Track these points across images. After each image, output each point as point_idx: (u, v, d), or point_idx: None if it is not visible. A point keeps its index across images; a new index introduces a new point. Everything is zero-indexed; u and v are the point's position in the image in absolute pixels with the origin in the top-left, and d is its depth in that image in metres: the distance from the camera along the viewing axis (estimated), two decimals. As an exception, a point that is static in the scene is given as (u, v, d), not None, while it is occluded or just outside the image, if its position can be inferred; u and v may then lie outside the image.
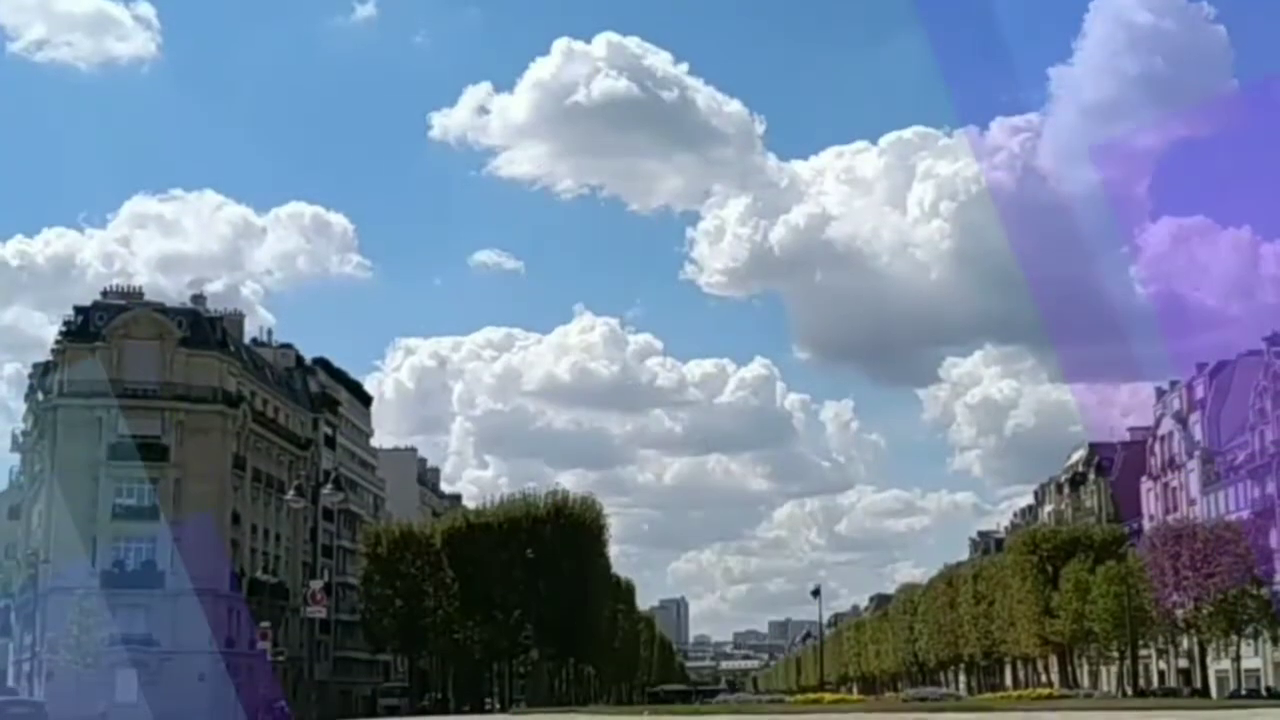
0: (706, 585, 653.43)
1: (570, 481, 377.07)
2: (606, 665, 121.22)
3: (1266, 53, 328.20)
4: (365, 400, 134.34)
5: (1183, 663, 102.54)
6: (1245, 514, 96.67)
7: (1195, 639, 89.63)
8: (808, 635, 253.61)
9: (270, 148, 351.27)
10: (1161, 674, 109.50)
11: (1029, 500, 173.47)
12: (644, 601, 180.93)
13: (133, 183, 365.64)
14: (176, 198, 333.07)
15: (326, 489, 76.69)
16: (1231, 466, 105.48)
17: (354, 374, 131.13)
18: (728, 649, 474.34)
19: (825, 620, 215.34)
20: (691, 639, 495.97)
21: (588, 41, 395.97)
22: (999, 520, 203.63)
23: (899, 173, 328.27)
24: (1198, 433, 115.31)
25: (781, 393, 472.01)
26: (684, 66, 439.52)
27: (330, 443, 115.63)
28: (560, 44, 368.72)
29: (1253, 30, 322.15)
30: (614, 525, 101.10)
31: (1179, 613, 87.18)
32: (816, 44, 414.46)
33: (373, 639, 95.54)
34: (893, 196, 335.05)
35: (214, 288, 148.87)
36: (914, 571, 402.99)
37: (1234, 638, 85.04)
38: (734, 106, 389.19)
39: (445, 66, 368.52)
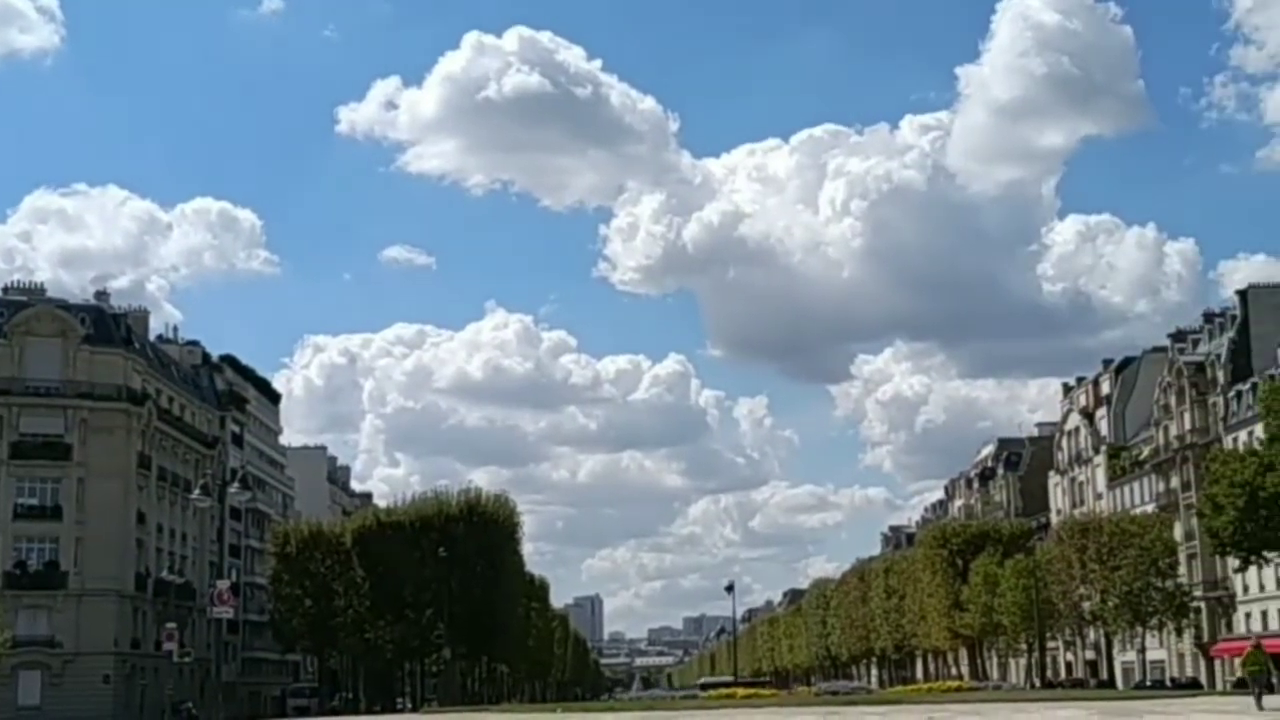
0: (621, 582, 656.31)
1: (483, 479, 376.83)
2: (520, 664, 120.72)
3: (1172, 53, 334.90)
4: (274, 398, 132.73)
5: (1089, 654, 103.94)
6: (1150, 508, 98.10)
7: (1101, 631, 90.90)
8: (722, 631, 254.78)
9: (176, 142, 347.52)
10: (1069, 665, 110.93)
11: (939, 495, 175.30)
12: (558, 599, 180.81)
13: (34, 177, 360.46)
14: (79, 192, 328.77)
15: (233, 488, 75.52)
16: (1136, 461, 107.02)
17: (262, 371, 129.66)
18: (642, 646, 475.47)
19: (739, 616, 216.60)
20: (606, 636, 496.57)
21: (498, 36, 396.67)
22: (910, 515, 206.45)
23: (810, 171, 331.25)
24: (1104, 428, 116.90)
25: (696, 389, 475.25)
26: (597, 63, 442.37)
27: (238, 441, 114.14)
28: (470, 38, 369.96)
29: (1159, 31, 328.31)
30: (528, 523, 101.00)
31: (1086, 605, 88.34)
32: (729, 41, 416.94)
33: (282, 639, 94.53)
34: (805, 194, 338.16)
35: (118, 284, 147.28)
36: (827, 566, 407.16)
37: (1139, 630, 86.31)
38: (648, 103, 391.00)
39: (353, 60, 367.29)
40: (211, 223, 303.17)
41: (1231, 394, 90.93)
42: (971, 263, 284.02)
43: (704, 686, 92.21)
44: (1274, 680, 43.30)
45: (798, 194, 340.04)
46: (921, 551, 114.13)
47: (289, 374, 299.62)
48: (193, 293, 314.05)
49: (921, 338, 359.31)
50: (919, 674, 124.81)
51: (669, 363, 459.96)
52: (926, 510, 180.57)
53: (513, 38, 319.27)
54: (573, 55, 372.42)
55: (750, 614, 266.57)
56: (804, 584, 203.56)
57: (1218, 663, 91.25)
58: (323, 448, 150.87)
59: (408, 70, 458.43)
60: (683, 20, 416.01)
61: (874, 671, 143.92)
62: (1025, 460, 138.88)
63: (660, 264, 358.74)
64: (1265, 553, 66.40)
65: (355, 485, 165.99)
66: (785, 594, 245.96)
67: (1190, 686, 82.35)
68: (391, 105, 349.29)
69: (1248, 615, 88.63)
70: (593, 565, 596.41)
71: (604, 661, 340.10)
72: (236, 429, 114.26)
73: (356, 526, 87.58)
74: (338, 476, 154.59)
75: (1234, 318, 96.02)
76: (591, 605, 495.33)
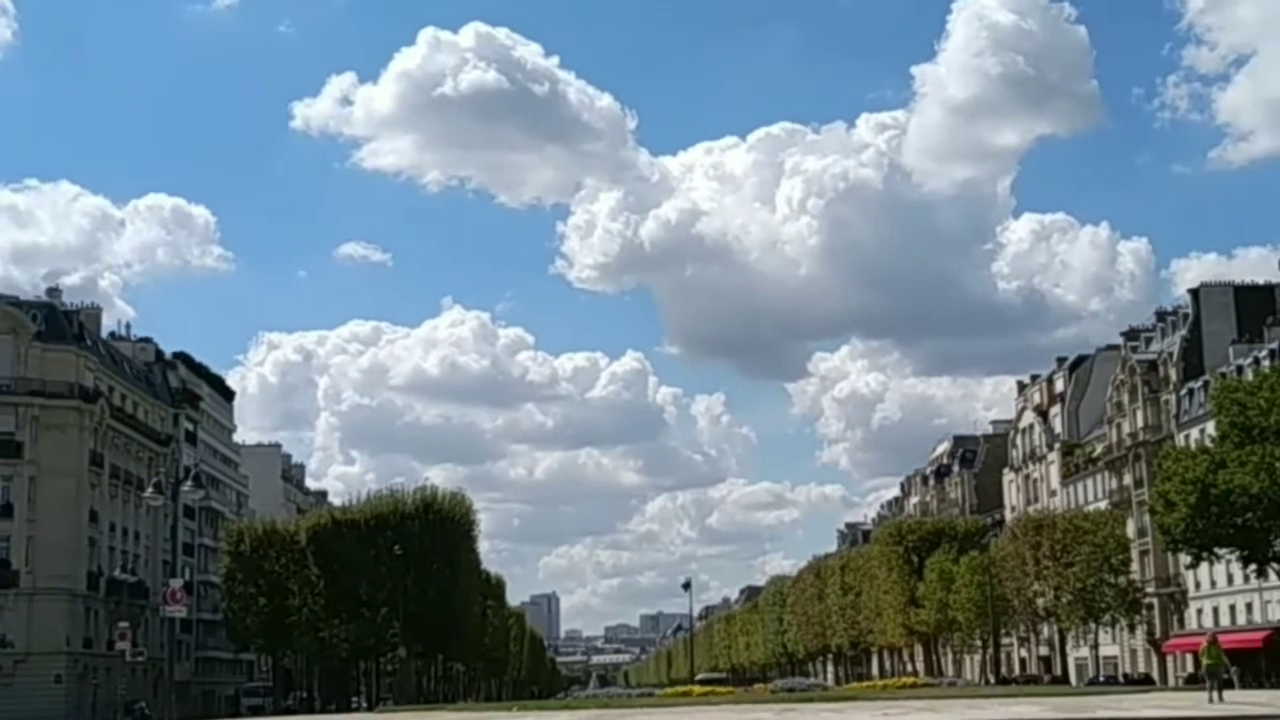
0: (578, 580, 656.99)
1: (439, 477, 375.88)
2: (476, 662, 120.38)
3: (1126, 54, 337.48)
4: (228, 395, 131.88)
5: (1043, 650, 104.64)
6: (1103, 505, 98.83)
7: (1055, 627, 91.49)
8: (679, 628, 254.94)
9: (129, 138, 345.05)
10: (1023, 661, 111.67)
11: (895, 492, 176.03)
12: (514, 597, 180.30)
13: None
14: (31, 188, 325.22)
15: (187, 486, 74.72)
16: (1090, 459, 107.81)
17: (216, 368, 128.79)
18: (599, 643, 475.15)
19: (696, 613, 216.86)
20: (563, 634, 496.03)
21: (455, 32, 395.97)
22: (866, 512, 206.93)
23: (768, 169, 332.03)
24: (1058, 425, 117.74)
25: (653, 387, 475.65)
26: (555, 59, 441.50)
27: (191, 439, 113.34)
28: (426, 34, 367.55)
29: (1113, 31, 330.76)
30: (484, 521, 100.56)
31: (1039, 601, 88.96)
32: (687, 39, 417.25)
33: (236, 638, 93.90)
34: (762, 192, 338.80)
35: (70, 280, 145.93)
36: (784, 563, 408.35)
37: (1092, 626, 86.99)
38: (605, 101, 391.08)
39: (308, 56, 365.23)
40: (165, 219, 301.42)
41: (1183, 392, 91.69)
42: (927, 261, 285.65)
43: (703, 682, 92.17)
44: (1230, 675, 43.61)
45: (755, 192, 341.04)
46: (877, 548, 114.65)
47: (243, 371, 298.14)
48: (146, 289, 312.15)
49: (877, 335, 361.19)
50: (875, 670, 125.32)
51: (626, 360, 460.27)
52: (883, 507, 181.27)
53: (469, 34, 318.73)
54: (530, 52, 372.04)
55: (707, 611, 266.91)
56: (761, 581, 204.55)
57: (1170, 658, 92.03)
58: (277, 445, 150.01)
59: (363, 66, 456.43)
60: (641, 18, 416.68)
61: (830, 668, 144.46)
62: (980, 457, 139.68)
63: (617, 261, 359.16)
64: (1216, 549, 67.01)
65: (310, 483, 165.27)
66: (742, 591, 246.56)
67: (1143, 682, 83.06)
68: (347, 101, 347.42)
69: (1199, 611, 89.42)
70: (549, 563, 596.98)
71: (560, 659, 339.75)
72: (190, 427, 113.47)
73: (311, 525, 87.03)
74: (292, 474, 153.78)
75: (1186, 316, 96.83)
76: (548, 603, 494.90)
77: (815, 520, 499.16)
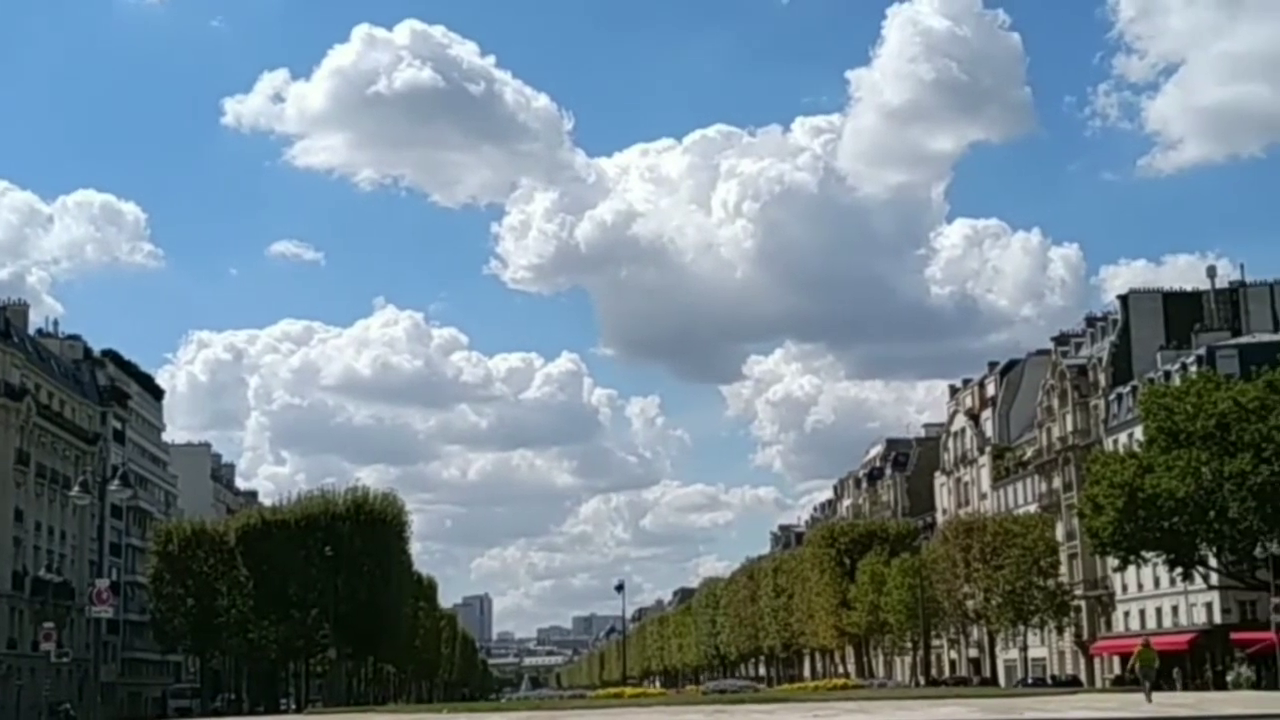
0: (510, 581, 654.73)
1: (371, 478, 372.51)
2: (407, 664, 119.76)
3: (1058, 61, 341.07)
4: (157, 394, 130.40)
5: (973, 652, 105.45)
6: (1033, 508, 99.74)
7: (985, 629, 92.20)
8: (612, 630, 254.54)
9: (58, 133, 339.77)
10: (953, 663, 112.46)
11: (828, 495, 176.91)
12: (446, 599, 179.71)
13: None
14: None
15: (114, 485, 73.79)
16: (1020, 462, 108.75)
17: (145, 366, 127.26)
18: (532, 645, 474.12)
19: (629, 615, 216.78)
20: (495, 636, 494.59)
21: (390, 29, 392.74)
22: (799, 514, 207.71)
23: (703, 171, 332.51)
24: (989, 429, 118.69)
25: (588, 388, 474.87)
26: (491, 58, 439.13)
27: (119, 437, 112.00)
28: (361, 31, 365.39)
29: (1045, 39, 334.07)
30: (416, 522, 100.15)
31: (969, 604, 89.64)
32: (624, 41, 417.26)
33: (163, 639, 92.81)
34: (697, 195, 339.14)
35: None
36: (717, 565, 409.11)
37: (1021, 628, 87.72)
38: (542, 101, 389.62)
39: (240, 52, 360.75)
40: (94, 215, 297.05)
41: (1112, 396, 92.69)
42: (861, 265, 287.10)
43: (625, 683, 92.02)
44: (1151, 680, 44.12)
45: (690, 194, 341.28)
46: (810, 551, 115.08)
47: (173, 370, 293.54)
48: (74, 286, 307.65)
49: (811, 339, 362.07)
50: (806, 672, 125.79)
51: (561, 361, 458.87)
52: (815, 510, 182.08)
53: (404, 31, 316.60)
54: (466, 51, 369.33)
55: (640, 613, 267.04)
56: (694, 583, 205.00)
57: (1097, 660, 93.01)
58: (207, 445, 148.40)
59: (296, 63, 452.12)
60: (577, 19, 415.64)
61: (762, 670, 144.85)
62: (912, 460, 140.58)
63: (552, 262, 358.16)
64: (1144, 552, 67.77)
65: (240, 483, 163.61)
66: (675, 593, 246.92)
67: (1070, 684, 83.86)
68: (279, 98, 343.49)
69: (1126, 614, 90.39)
70: (482, 564, 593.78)
71: (492, 661, 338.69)
72: (118, 425, 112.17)
73: (241, 525, 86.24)
74: (222, 474, 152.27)
75: (1115, 322, 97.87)
76: (480, 605, 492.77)
77: (749, 522, 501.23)
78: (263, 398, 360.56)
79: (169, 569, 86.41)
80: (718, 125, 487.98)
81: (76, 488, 63.05)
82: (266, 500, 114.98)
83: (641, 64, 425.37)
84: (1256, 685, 62.13)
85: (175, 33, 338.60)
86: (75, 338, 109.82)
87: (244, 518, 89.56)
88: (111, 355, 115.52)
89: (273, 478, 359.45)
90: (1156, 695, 42.65)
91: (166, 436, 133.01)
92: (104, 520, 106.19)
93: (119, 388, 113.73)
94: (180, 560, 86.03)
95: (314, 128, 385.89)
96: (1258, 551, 60.74)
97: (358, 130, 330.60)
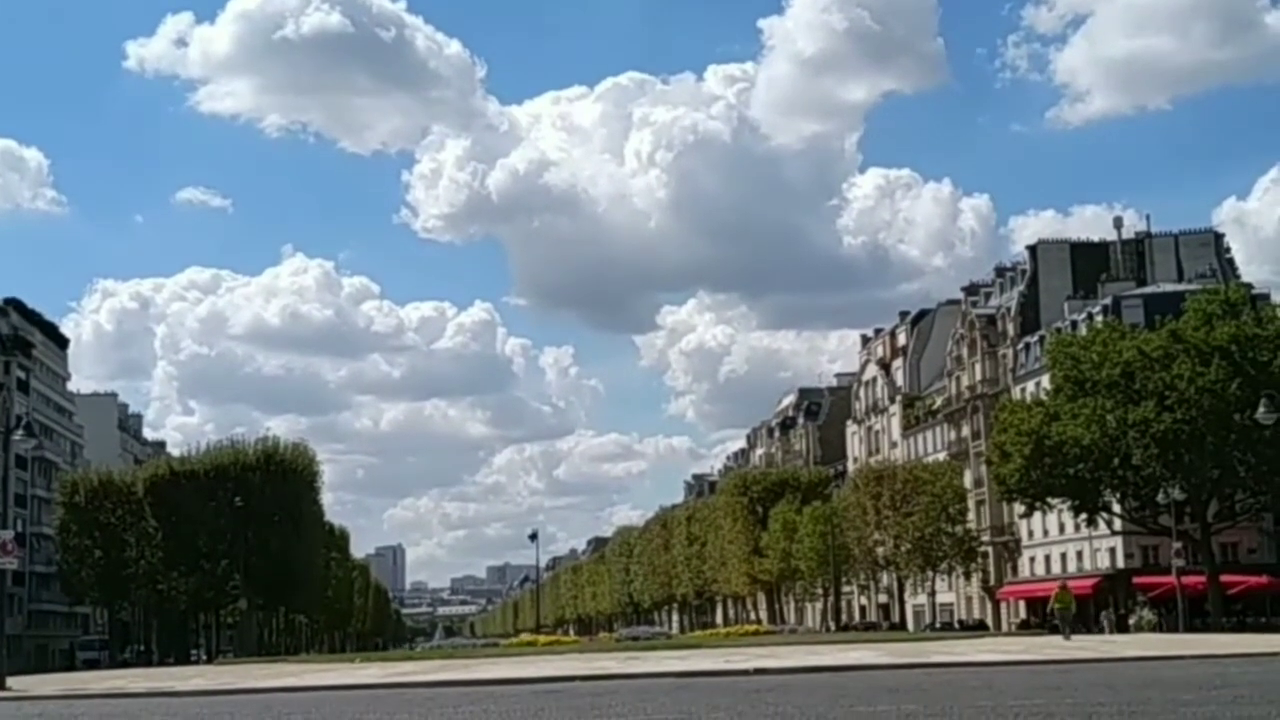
0: (424, 531, 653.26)
1: (281, 428, 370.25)
2: (319, 614, 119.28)
3: (969, 12, 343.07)
4: (61, 343, 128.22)
5: (883, 598, 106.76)
6: (942, 456, 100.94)
7: (894, 575, 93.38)
8: (526, 579, 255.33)
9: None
10: (863, 609, 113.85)
11: (741, 444, 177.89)
12: (359, 549, 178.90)
13: None
14: None
15: (18, 435, 72.41)
16: (930, 411, 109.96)
17: (49, 315, 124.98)
18: (445, 595, 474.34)
19: (543, 564, 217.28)
20: (408, 586, 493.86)
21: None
22: (713, 463, 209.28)
23: (616, 120, 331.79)
24: (899, 378, 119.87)
25: (501, 338, 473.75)
26: (402, 4, 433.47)
27: (23, 387, 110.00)
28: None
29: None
30: (328, 472, 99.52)
31: (879, 550, 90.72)
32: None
33: (70, 591, 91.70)
34: (611, 144, 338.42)
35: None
36: (631, 514, 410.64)
37: (929, 574, 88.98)
38: (454, 48, 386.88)
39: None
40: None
41: (1020, 346, 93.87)
42: (774, 215, 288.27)
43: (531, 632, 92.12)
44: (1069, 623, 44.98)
45: (603, 143, 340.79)
46: (723, 499, 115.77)
47: (78, 318, 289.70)
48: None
49: (725, 289, 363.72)
50: (719, 619, 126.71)
51: (474, 311, 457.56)
52: (729, 459, 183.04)
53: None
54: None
55: (554, 562, 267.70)
56: (608, 532, 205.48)
57: (1004, 605, 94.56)
58: (113, 395, 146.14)
59: (200, 5, 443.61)
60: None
61: (676, 617, 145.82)
62: (825, 410, 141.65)
63: (464, 211, 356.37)
64: (1049, 499, 68.98)
65: (148, 433, 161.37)
66: (589, 542, 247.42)
67: (977, 628, 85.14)
68: (182, 42, 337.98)
69: (1032, 559, 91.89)
70: (395, 515, 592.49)
71: (406, 611, 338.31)
72: (22, 374, 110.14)
73: (149, 476, 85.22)
74: (129, 424, 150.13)
75: (1024, 272, 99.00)
76: (393, 555, 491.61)
77: (662, 472, 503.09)
78: (170, 347, 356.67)
79: (76, 520, 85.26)
80: (630, 73, 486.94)
81: (-22, 438, 61.99)
82: (175, 451, 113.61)
83: (554, 10, 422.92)
84: (1158, 628, 63.45)
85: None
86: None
87: (152, 468, 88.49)
88: (14, 304, 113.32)
89: (181, 428, 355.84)
90: (1076, 637, 43.53)
91: (72, 386, 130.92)
92: (8, 471, 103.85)
93: (22, 337, 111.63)
94: (87, 511, 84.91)
95: (219, 72, 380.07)
96: (1160, 498, 62.00)
97: (264, 75, 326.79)
